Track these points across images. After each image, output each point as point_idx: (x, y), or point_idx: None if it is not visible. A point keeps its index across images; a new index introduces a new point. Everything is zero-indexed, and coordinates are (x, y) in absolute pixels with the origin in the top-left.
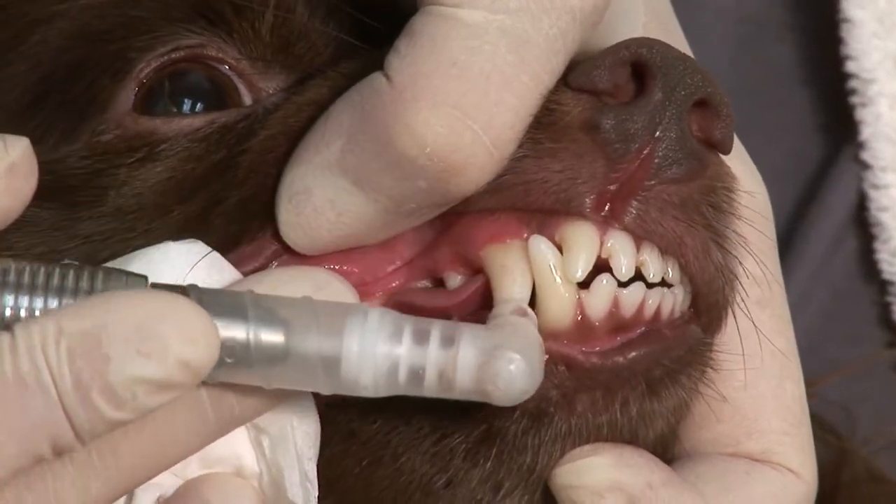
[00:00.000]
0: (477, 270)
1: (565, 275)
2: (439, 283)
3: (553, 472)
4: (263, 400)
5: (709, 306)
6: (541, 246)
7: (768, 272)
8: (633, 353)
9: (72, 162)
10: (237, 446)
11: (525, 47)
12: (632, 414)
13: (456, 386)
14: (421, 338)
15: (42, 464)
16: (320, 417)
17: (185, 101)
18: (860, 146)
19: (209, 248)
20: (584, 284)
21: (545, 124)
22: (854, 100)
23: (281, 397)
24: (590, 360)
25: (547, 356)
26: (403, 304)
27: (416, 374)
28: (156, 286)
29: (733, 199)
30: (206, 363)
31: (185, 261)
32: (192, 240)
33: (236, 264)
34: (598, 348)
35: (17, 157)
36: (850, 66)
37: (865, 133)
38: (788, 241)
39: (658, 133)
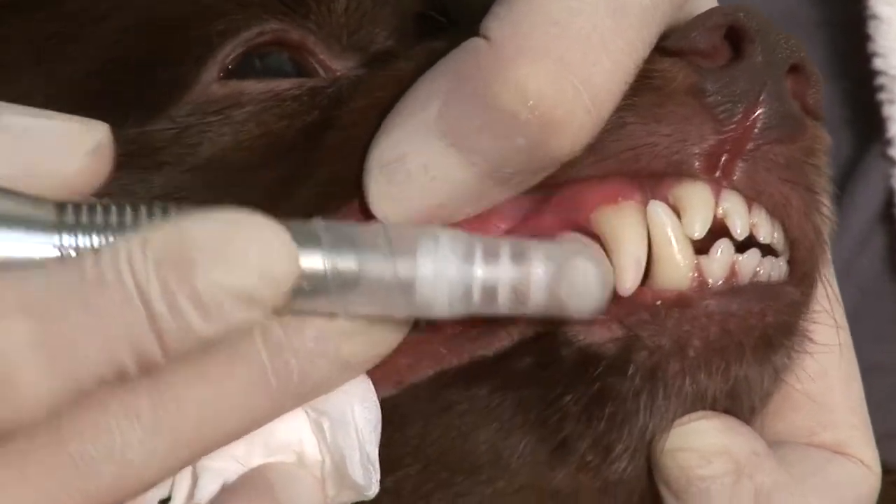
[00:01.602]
0: (586, 235)
1: (684, 236)
2: None
3: (660, 435)
4: (323, 367)
5: (804, 274)
6: (658, 210)
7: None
8: (749, 298)
9: (157, 132)
10: (300, 432)
11: (621, 13)
12: (746, 366)
13: (530, 301)
14: (492, 256)
15: (108, 418)
16: (412, 391)
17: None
18: (888, 143)
19: None
20: (700, 250)
21: (650, 89)
22: (881, 96)
23: (340, 378)
24: (705, 300)
25: (660, 301)
26: None
27: (490, 293)
28: None
29: (828, 162)
30: (288, 274)
31: None
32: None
33: None
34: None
35: (103, 137)
36: (878, 63)
37: (893, 130)
38: None
39: (763, 95)
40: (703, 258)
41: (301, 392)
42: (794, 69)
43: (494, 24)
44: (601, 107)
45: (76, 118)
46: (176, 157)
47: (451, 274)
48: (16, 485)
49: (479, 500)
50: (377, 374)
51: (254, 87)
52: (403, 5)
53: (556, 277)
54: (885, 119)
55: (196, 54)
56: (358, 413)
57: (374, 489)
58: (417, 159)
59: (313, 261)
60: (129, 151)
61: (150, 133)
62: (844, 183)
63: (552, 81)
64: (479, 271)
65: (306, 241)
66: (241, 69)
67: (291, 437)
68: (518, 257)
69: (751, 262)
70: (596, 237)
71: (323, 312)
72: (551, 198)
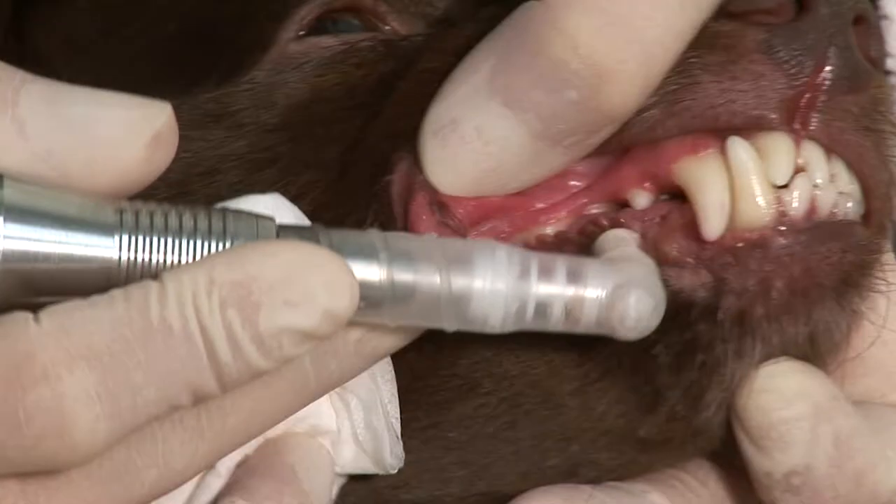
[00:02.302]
0: (664, 188)
1: (763, 171)
2: (622, 206)
3: (744, 381)
4: (358, 363)
5: (879, 223)
6: (738, 147)
7: None
8: (828, 237)
9: (235, 93)
10: (318, 405)
11: None
12: (828, 306)
13: (582, 322)
14: (548, 274)
15: (153, 426)
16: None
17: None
18: None
19: (290, 204)
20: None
21: (720, 49)
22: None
23: (370, 366)
24: (786, 241)
25: (742, 244)
26: (587, 224)
27: (544, 311)
28: (283, 227)
29: (894, 111)
30: (348, 312)
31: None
32: (275, 193)
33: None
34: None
35: (162, 124)
36: (889, 64)
37: None
38: None
39: (831, 47)
40: (783, 192)
41: (335, 385)
42: (858, 20)
43: None
44: (654, 62)
45: (137, 103)
46: (255, 117)
47: (507, 290)
48: (62, 497)
49: (561, 437)
50: None
51: (329, 41)
52: None
53: (611, 302)
54: None
55: (273, 15)
56: (382, 388)
57: (398, 467)
58: (470, 122)
59: (370, 275)
60: (208, 113)
61: (229, 94)
62: None
63: (602, 31)
64: (535, 289)
65: (364, 255)
66: (315, 31)
67: (310, 409)
68: (573, 276)
69: (829, 196)
70: (678, 187)
71: (344, 348)
72: (629, 153)
